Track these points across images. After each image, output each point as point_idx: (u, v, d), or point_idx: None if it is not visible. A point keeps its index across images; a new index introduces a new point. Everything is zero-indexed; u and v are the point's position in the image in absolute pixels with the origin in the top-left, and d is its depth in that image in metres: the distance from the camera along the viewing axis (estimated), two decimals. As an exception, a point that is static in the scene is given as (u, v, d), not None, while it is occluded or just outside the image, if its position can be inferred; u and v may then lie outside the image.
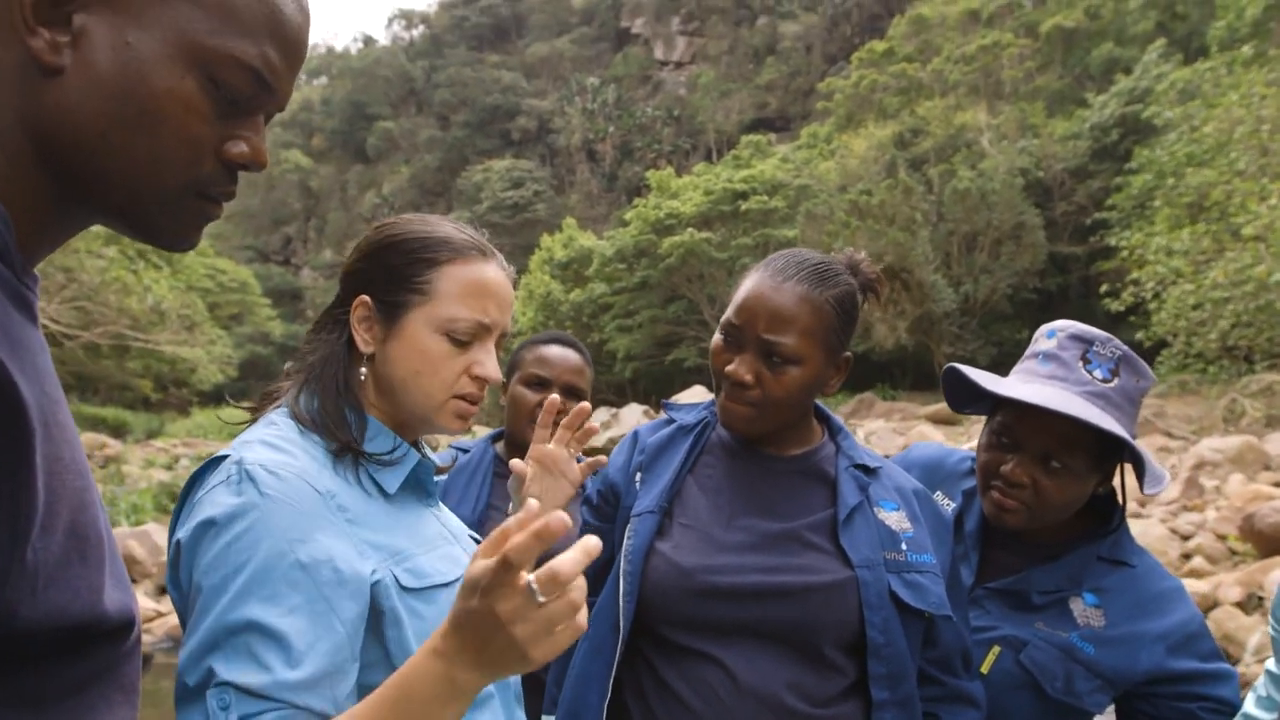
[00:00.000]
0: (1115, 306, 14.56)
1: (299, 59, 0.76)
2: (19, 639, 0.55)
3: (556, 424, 1.44)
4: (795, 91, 57.16)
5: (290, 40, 0.74)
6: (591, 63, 71.07)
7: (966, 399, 1.56)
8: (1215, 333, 13.29)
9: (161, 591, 7.91)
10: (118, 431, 23.59)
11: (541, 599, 0.74)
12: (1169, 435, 13.98)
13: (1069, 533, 1.48)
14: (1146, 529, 7.63)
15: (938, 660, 1.32)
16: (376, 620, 0.95)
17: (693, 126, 59.94)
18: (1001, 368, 1.53)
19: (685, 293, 30.18)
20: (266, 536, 0.89)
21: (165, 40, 0.66)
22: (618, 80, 65.66)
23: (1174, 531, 8.02)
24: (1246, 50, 15.66)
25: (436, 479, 1.17)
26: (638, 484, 1.39)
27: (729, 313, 1.32)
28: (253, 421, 1.08)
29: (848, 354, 1.34)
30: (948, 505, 1.57)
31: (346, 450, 1.02)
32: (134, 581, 8.00)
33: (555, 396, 1.44)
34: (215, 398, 30.38)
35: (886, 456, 1.56)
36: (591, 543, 0.74)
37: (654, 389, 30.05)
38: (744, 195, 29.71)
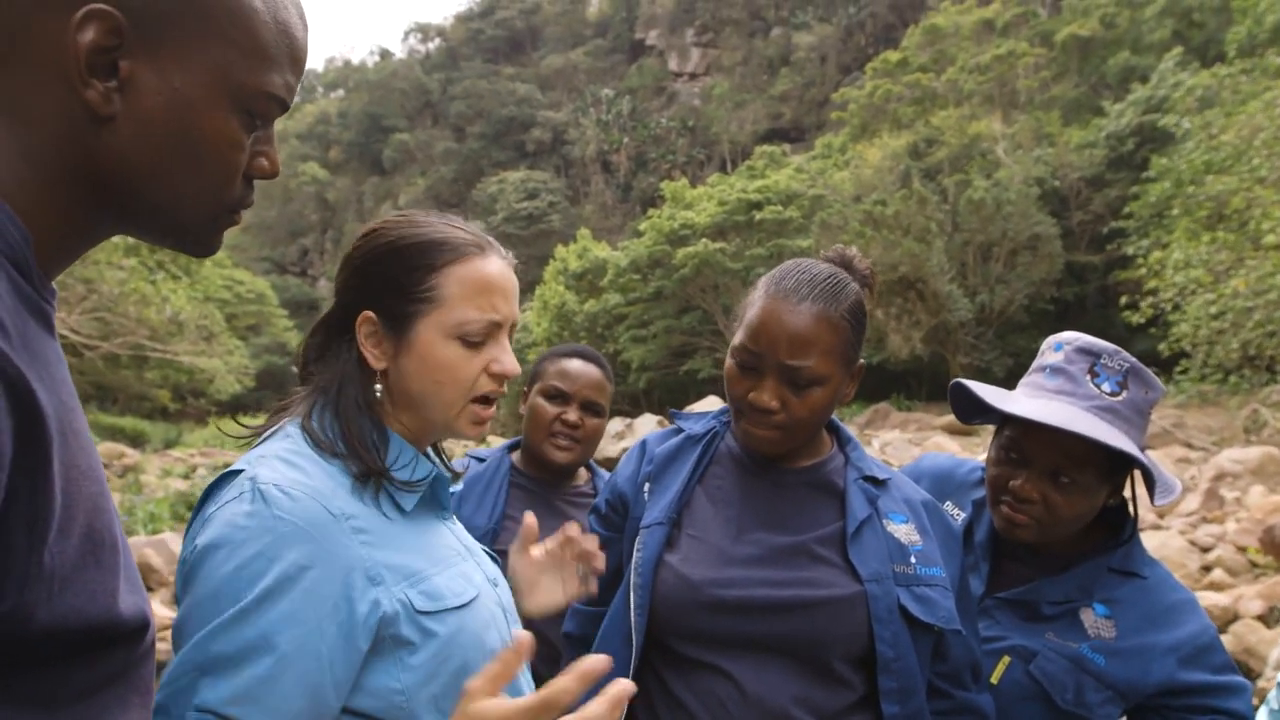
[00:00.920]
0: (1137, 319, 14.44)
1: (303, 68, 0.80)
2: (35, 641, 0.57)
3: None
4: (809, 102, 57.16)
5: (301, 59, 0.78)
6: (606, 74, 71.38)
7: (973, 411, 1.55)
8: (1236, 342, 13.14)
9: (178, 599, 7.93)
10: (136, 441, 23.81)
11: None
12: (1189, 446, 13.83)
13: (1080, 543, 1.48)
14: (1166, 541, 7.54)
15: (947, 674, 1.31)
16: (384, 646, 0.93)
17: (707, 137, 60.02)
18: (1018, 378, 1.52)
19: (700, 303, 30.16)
20: (276, 562, 0.88)
21: (208, 83, 0.69)
22: (632, 92, 65.88)
23: (1193, 544, 7.92)
24: (1272, 57, 15.50)
25: (452, 490, 1.17)
26: (646, 494, 1.39)
27: (743, 338, 1.28)
28: (260, 435, 1.07)
29: (861, 361, 1.33)
30: (958, 515, 1.56)
31: (370, 475, 1.00)
32: (150, 590, 8.05)
33: (574, 532, 1.31)
34: (232, 408, 30.59)
35: (899, 468, 1.55)
36: (598, 667, 0.75)
37: (668, 399, 29.97)
38: (758, 205, 29.68)
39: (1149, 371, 1.43)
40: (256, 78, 0.71)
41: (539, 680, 1.17)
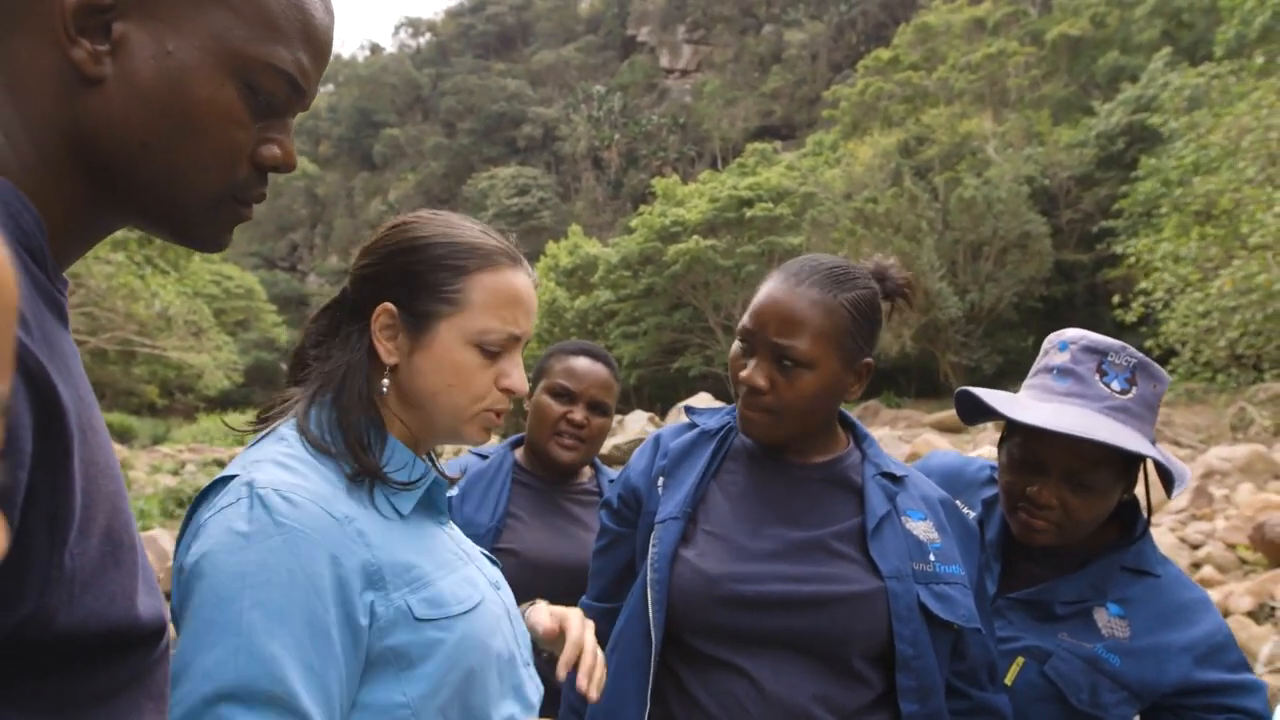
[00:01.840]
0: (1128, 318, 14.50)
1: (326, 60, 0.77)
2: (55, 645, 0.54)
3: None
4: (801, 99, 57.20)
5: (320, 43, 0.74)
6: (597, 71, 71.26)
7: (977, 413, 1.54)
8: (1224, 341, 13.23)
9: (169, 597, 7.89)
10: (124, 437, 23.66)
11: None
12: (1176, 444, 13.92)
13: (1092, 542, 1.46)
14: (1156, 537, 7.47)
15: (965, 673, 1.30)
16: (384, 659, 0.90)
17: (698, 134, 60.00)
18: (1007, 376, 1.51)
19: (690, 300, 30.17)
20: (281, 570, 0.84)
21: (205, 48, 0.66)
22: (623, 88, 65.79)
23: (1183, 540, 7.97)
24: (1259, 59, 15.59)
25: (449, 494, 1.14)
26: (660, 489, 1.37)
27: (744, 319, 1.30)
28: (259, 433, 1.03)
29: (868, 359, 1.31)
30: (968, 514, 1.55)
31: (365, 475, 0.97)
32: (140, 587, 7.99)
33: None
34: (221, 404, 30.45)
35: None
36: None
37: (659, 396, 30.00)
38: (749, 203, 29.72)
39: (1154, 363, 1.41)
40: (258, 48, 0.68)
41: (546, 683, 1.16)
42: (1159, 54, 26.42)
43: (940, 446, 13.45)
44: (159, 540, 8.78)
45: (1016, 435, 1.43)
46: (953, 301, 25.18)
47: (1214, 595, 6.41)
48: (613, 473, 2.10)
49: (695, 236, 29.06)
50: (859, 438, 1.41)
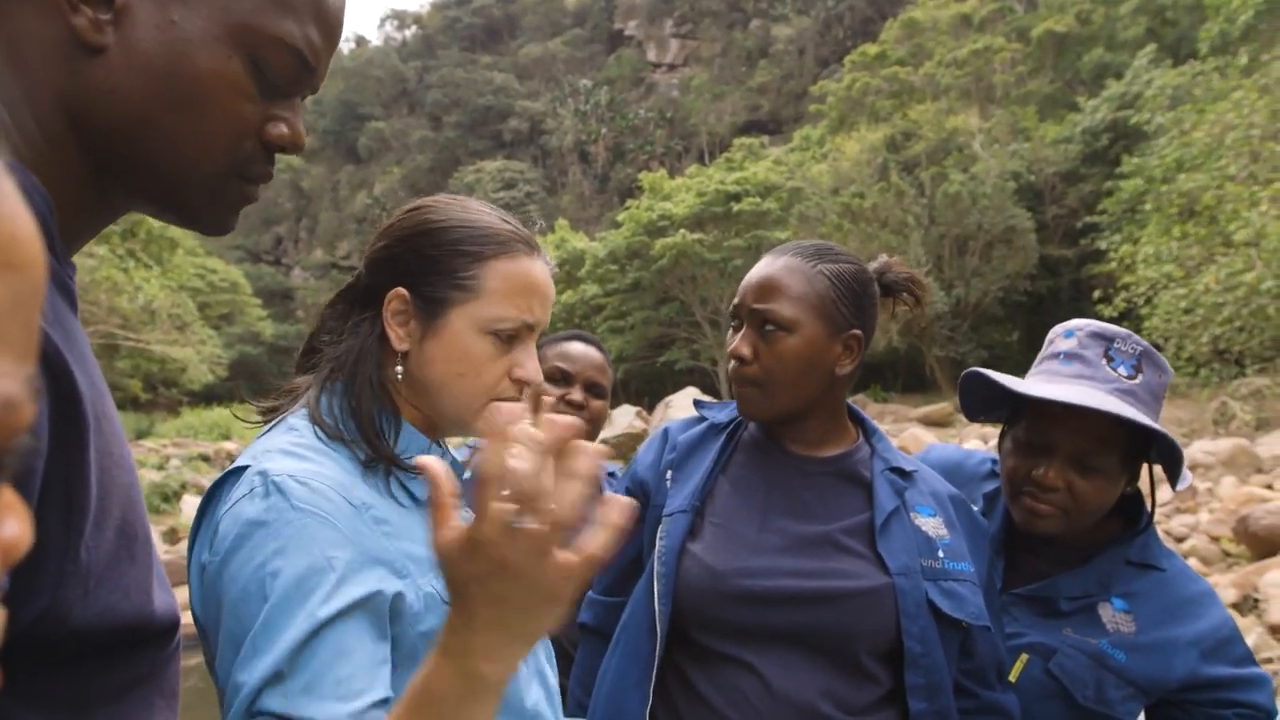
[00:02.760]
0: (1109, 313, 14.62)
1: (337, 41, 0.75)
2: (69, 641, 0.53)
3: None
4: (788, 94, 57.22)
5: (331, 21, 0.72)
6: (584, 64, 71.03)
7: (981, 406, 1.53)
8: (1207, 336, 13.37)
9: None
10: (106, 432, 23.38)
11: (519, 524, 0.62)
12: (1160, 438, 14.02)
13: (1096, 536, 1.45)
14: (1141, 531, 7.65)
15: (972, 672, 1.28)
16: (417, 648, 0.88)
17: (685, 129, 59.94)
18: (992, 369, 1.50)
19: (677, 294, 30.15)
20: (307, 551, 0.81)
21: (210, 19, 0.64)
22: (610, 82, 65.61)
23: (1168, 533, 8.04)
24: (1242, 57, 15.71)
25: (464, 477, 1.13)
26: (668, 482, 1.36)
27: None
28: (268, 424, 1.01)
29: (857, 331, 1.29)
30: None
31: (378, 460, 0.95)
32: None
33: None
34: (205, 398, 30.21)
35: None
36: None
37: (646, 390, 30.01)
38: (736, 197, 29.69)
39: (1159, 354, 1.41)
40: (266, 20, 0.66)
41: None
42: (1143, 51, 26.57)
43: (927, 440, 13.53)
44: (144, 535, 8.71)
45: (1021, 420, 1.42)
46: (938, 296, 25.27)
47: (1199, 588, 6.48)
48: (611, 466, 2.09)
49: (682, 231, 29.02)
50: (868, 432, 1.40)
